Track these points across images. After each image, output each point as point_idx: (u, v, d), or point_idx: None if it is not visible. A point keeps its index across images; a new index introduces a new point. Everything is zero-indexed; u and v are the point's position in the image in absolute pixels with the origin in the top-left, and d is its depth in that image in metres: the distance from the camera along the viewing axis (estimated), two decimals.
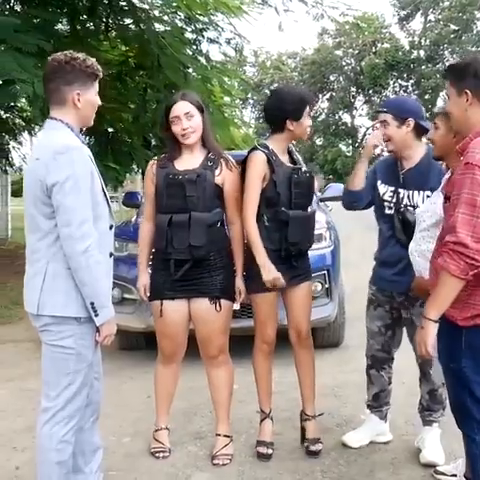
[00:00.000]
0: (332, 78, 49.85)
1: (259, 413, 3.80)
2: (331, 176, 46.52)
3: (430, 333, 2.57)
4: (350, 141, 50.52)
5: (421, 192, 3.57)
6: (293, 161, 3.75)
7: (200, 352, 3.70)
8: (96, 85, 2.85)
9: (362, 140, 49.19)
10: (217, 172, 3.52)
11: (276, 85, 47.21)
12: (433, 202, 3.23)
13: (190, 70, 9.54)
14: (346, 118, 51.18)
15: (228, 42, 12.45)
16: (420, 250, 3.24)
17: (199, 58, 11.64)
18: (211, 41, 12.31)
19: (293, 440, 3.88)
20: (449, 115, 2.73)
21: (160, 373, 3.76)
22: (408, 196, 3.60)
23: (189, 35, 12.26)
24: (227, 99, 13.23)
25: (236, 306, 5.23)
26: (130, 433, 4.02)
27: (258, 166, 3.47)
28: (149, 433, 3.86)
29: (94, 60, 2.84)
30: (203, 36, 12.33)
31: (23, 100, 9.24)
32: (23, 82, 6.05)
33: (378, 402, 3.87)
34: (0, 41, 6.42)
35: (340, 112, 50.67)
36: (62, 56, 2.79)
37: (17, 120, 12.62)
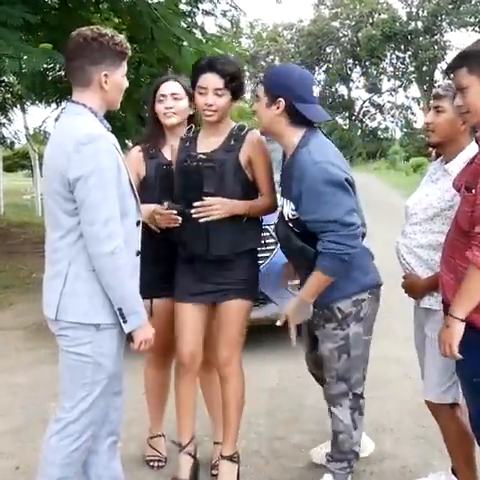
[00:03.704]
0: (329, 50, 49.25)
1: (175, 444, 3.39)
2: None
3: (456, 333, 2.38)
4: (347, 114, 50.11)
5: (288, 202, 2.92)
6: None
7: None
8: (125, 65, 2.57)
9: (359, 113, 48.88)
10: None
11: (271, 57, 47.00)
12: (426, 194, 2.94)
13: (184, 43, 9.19)
14: (343, 90, 50.76)
15: (224, 14, 12.13)
16: (410, 246, 2.95)
17: (194, 31, 11.33)
18: (206, 13, 11.99)
19: (296, 446, 3.66)
20: (466, 106, 2.43)
21: (151, 377, 3.53)
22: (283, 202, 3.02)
23: (184, 7, 11.94)
24: None
25: None
26: (123, 438, 3.73)
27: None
28: (142, 437, 3.62)
29: (122, 37, 2.55)
30: (198, 8, 12.02)
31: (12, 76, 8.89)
32: (9, 57, 5.73)
33: None
34: None
35: (337, 84, 50.17)
36: (88, 32, 2.49)
37: (7, 96, 12.27)
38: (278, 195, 3.09)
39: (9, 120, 13.12)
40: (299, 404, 4.24)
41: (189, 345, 3.17)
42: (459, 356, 2.41)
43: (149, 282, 3.16)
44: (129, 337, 2.60)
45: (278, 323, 2.90)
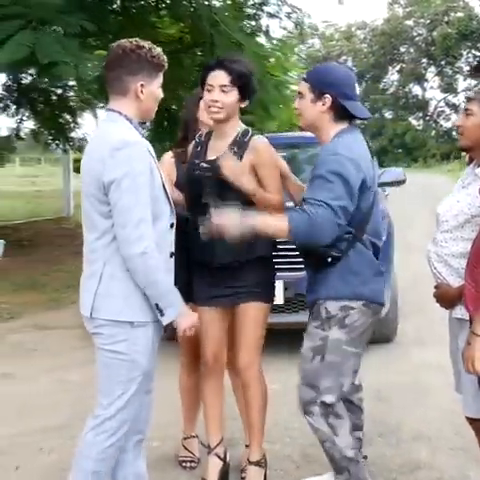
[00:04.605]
0: (402, 49, 48.32)
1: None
2: (400, 150, 45.43)
3: (478, 350, 2.33)
4: (420, 114, 49.07)
5: None
6: None
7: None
8: (161, 77, 2.68)
9: (433, 114, 47.86)
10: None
11: (344, 57, 46.57)
12: (457, 200, 2.87)
13: (245, 47, 9.23)
14: (417, 90, 49.67)
15: (288, 16, 12.08)
16: (441, 254, 2.88)
17: (258, 34, 11.35)
18: (271, 16, 12.01)
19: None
20: None
21: (184, 380, 3.59)
22: None
23: (249, 10, 11.99)
24: (293, 75, 12.86)
25: (280, 300, 5.04)
26: (160, 437, 3.83)
27: None
28: (178, 438, 3.68)
29: (160, 50, 2.67)
30: (263, 10, 12.05)
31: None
32: (66, 64, 5.91)
33: None
34: (43, 22, 6.28)
35: (410, 84, 49.17)
36: (127, 43, 2.63)
37: (75, 99, 12.65)
38: None
39: (77, 123, 13.50)
40: None
41: (211, 345, 3.22)
42: None
43: (179, 287, 3.21)
44: (165, 329, 2.68)
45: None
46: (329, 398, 2.89)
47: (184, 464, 3.53)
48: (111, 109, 2.67)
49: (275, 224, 2.78)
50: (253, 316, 3.15)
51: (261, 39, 11.53)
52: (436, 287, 2.94)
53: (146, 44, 2.64)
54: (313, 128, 2.98)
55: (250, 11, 12.14)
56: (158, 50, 2.66)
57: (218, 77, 3.03)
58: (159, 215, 2.63)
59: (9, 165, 30.15)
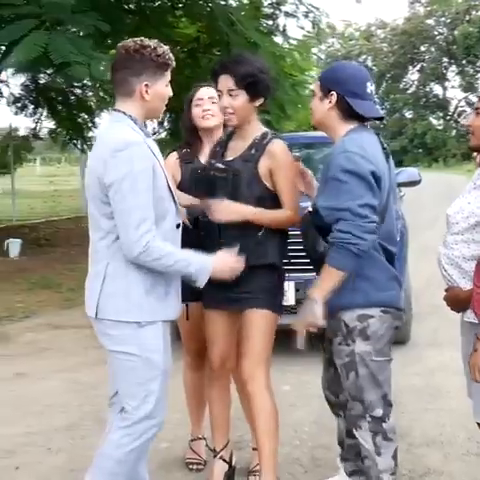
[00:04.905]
0: (423, 48, 48.09)
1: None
2: (420, 150, 45.15)
3: None
4: (441, 114, 48.75)
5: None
6: None
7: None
8: (167, 75, 2.64)
9: (454, 113, 47.47)
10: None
11: (364, 57, 46.35)
12: (468, 202, 2.78)
13: (261, 47, 9.19)
14: (437, 90, 49.43)
15: (306, 15, 12.02)
16: (451, 256, 2.80)
17: (275, 34, 11.30)
18: (288, 15, 11.96)
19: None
20: None
21: (189, 379, 3.57)
22: None
23: (266, 10, 11.96)
24: (313, 75, 12.80)
25: (291, 301, 4.99)
26: (169, 438, 3.81)
27: None
28: (187, 439, 3.65)
29: (166, 48, 2.63)
30: (280, 10, 12.00)
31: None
32: (79, 64, 5.91)
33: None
34: (57, 22, 6.29)
35: (431, 84, 48.91)
36: (131, 43, 2.60)
37: (93, 99, 12.70)
38: None
39: (94, 123, 13.54)
40: None
41: (217, 349, 3.16)
42: None
43: (183, 286, 3.18)
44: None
45: (291, 325, 2.72)
46: (378, 412, 2.79)
47: (191, 466, 3.51)
48: (117, 109, 2.65)
49: (325, 279, 2.66)
50: (257, 323, 3.01)
51: (278, 39, 11.53)
52: (447, 290, 2.88)
53: (151, 43, 2.60)
54: (323, 126, 2.92)
55: (267, 11, 12.12)
56: (164, 48, 2.61)
57: (224, 81, 2.96)
58: (164, 215, 2.61)
59: (30, 165, 30.45)
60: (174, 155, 3.42)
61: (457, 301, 2.80)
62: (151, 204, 2.52)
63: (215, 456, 3.28)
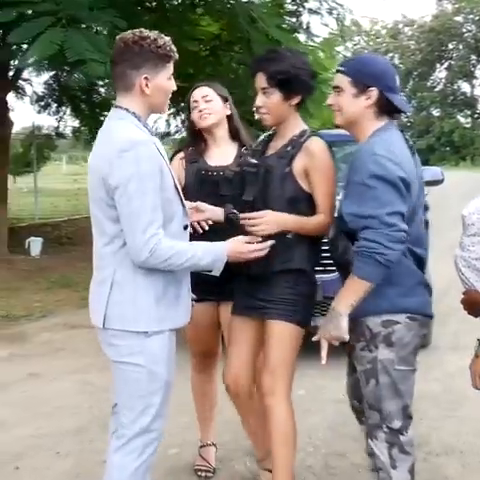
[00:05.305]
0: (451, 46, 47.51)
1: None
2: (447, 148, 44.66)
3: None
4: (469, 112, 48.15)
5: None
6: None
7: None
8: (170, 68, 2.49)
9: None
10: None
11: (390, 54, 45.96)
12: None
13: (283, 45, 9.09)
14: (465, 88, 48.81)
15: (330, 12, 11.87)
16: (468, 259, 2.67)
17: (298, 31, 11.18)
18: (312, 12, 11.81)
19: (354, 465, 3.46)
20: None
21: (195, 382, 3.51)
22: None
23: (289, 6, 11.84)
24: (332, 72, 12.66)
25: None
26: (178, 443, 3.72)
27: None
28: (197, 444, 3.56)
29: (168, 39, 2.48)
30: (304, 7, 11.87)
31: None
32: (94, 62, 5.86)
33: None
34: (74, 20, 6.24)
35: (459, 82, 48.32)
36: (130, 35, 2.45)
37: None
38: None
39: None
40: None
41: (233, 368, 3.00)
42: None
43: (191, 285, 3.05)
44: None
45: (314, 338, 2.61)
46: (396, 423, 2.65)
47: (199, 473, 3.41)
48: (118, 106, 2.49)
49: (350, 290, 2.51)
50: (278, 335, 2.82)
51: (301, 36, 11.38)
52: (464, 293, 2.76)
53: (151, 34, 2.45)
54: (352, 125, 2.69)
55: (291, 8, 11.99)
56: (165, 39, 2.46)
57: (258, 80, 2.82)
58: (171, 217, 2.49)
59: (56, 163, 30.64)
60: (179, 156, 3.34)
61: (474, 305, 2.69)
62: (159, 206, 2.39)
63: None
